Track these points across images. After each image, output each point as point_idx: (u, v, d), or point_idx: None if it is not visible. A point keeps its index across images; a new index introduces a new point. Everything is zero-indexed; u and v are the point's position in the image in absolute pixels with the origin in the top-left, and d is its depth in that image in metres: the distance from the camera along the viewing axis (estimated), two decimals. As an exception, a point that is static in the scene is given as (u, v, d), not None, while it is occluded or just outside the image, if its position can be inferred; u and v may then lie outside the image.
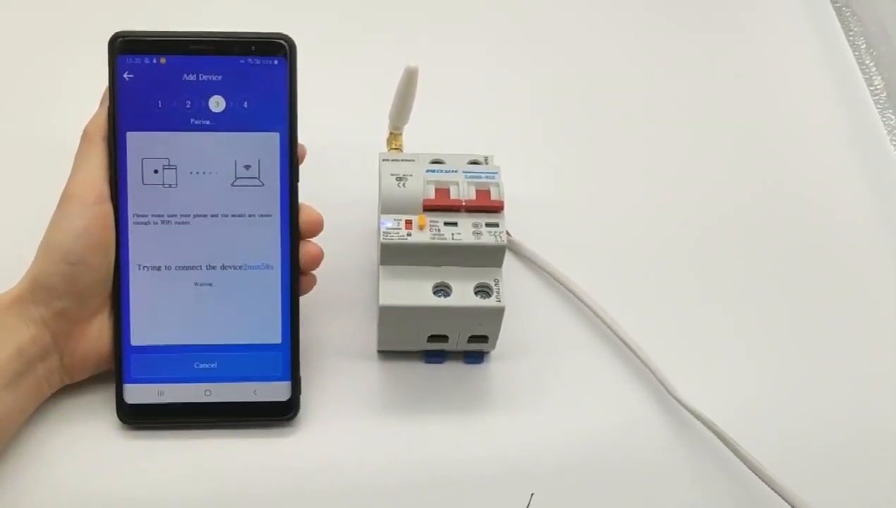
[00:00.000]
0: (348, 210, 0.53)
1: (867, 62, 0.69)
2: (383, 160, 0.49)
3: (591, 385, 0.50)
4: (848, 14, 0.72)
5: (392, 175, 0.47)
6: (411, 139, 0.51)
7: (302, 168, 0.47)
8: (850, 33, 0.71)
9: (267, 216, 0.46)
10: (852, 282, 0.56)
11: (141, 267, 0.46)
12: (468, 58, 0.65)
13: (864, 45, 0.70)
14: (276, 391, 0.47)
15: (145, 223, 0.46)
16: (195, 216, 0.46)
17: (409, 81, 0.47)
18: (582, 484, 0.47)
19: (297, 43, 0.46)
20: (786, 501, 0.45)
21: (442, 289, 0.47)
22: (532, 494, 0.46)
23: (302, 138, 0.47)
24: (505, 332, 0.48)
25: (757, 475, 0.46)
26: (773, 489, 0.45)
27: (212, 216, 0.46)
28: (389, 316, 0.47)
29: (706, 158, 0.61)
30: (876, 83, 0.68)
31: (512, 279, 0.52)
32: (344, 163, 0.55)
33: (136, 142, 0.45)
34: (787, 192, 0.60)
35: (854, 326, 0.54)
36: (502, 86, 0.63)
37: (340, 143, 0.54)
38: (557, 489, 0.47)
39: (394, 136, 0.51)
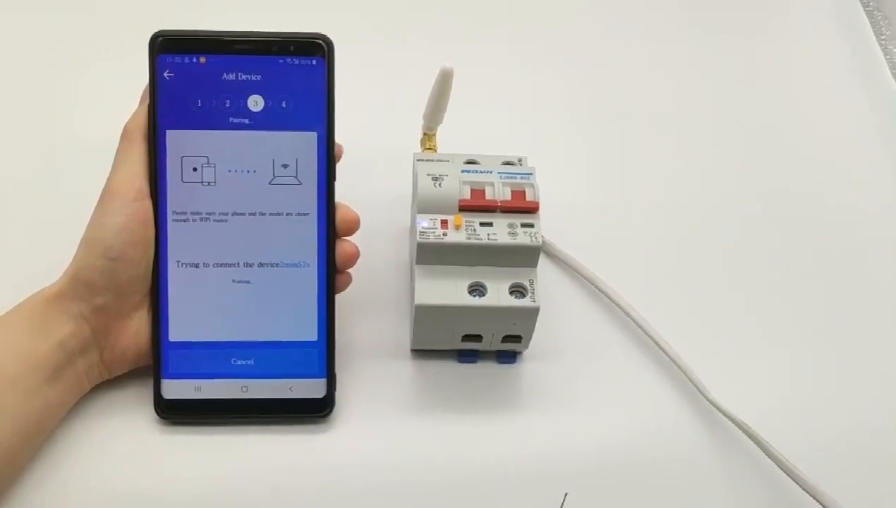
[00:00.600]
0: (383, 209, 0.54)
1: (900, 67, 0.69)
2: (418, 160, 0.49)
3: (623, 386, 0.51)
4: (879, 18, 0.72)
5: (428, 175, 0.48)
6: (443, 140, 0.51)
7: (338, 167, 0.47)
8: (882, 37, 0.70)
9: (304, 215, 0.47)
10: (884, 284, 0.56)
11: (179, 264, 0.46)
12: (501, 59, 0.65)
13: None
14: (312, 388, 0.47)
15: (184, 220, 0.46)
16: (233, 214, 0.46)
17: (444, 82, 0.48)
18: (615, 485, 0.47)
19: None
20: (819, 502, 0.45)
21: (477, 289, 0.47)
22: (566, 494, 0.46)
23: (338, 138, 0.47)
24: (538, 333, 0.48)
25: (790, 476, 0.46)
26: (805, 490, 0.45)
27: (249, 214, 0.47)
28: (425, 316, 0.47)
29: (737, 160, 0.61)
30: (909, 89, 0.67)
31: (545, 280, 0.52)
32: (379, 163, 0.55)
33: (176, 140, 0.46)
34: (819, 195, 0.60)
35: (887, 326, 0.54)
36: (534, 88, 0.64)
37: (375, 143, 0.54)
38: (591, 489, 0.47)
39: (428, 137, 0.51)
